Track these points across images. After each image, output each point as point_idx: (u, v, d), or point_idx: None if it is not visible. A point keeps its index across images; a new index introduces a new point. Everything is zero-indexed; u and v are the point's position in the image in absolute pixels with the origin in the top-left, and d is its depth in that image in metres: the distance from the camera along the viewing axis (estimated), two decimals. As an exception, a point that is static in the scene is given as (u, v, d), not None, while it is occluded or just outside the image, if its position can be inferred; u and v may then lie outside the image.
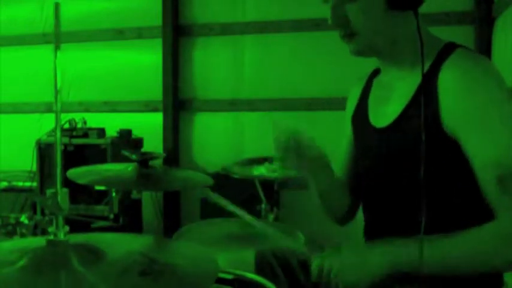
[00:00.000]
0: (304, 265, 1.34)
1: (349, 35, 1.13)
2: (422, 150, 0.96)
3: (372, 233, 1.26)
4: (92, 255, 0.69)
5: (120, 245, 0.79)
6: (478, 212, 1.03)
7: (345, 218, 1.42)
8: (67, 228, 0.69)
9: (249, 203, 2.19)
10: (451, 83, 1.04)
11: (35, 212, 2.86)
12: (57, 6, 0.67)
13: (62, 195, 0.69)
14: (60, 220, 0.68)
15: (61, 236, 0.68)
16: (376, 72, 1.32)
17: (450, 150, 1.05)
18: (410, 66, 1.14)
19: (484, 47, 2.99)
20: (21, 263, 0.66)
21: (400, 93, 1.15)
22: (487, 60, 1.10)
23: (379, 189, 1.20)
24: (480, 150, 1.01)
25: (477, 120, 1.02)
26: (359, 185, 1.31)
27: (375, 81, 1.30)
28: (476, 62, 1.06)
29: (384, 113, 1.18)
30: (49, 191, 0.69)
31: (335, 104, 3.11)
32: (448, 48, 1.10)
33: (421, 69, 1.04)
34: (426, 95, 1.06)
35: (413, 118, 1.09)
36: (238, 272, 1.24)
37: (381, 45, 1.15)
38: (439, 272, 0.99)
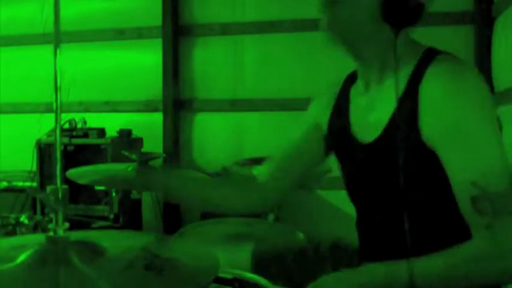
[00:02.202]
0: (300, 265, 1.34)
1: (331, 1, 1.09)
2: (400, 163, 0.96)
3: (363, 227, 1.27)
4: (92, 251, 0.69)
5: (119, 241, 0.79)
6: (464, 224, 1.03)
7: None
8: (66, 225, 0.69)
9: (249, 203, 2.19)
10: (432, 93, 1.02)
11: (35, 212, 2.87)
12: (56, 2, 0.67)
13: (62, 191, 0.69)
14: (60, 217, 0.69)
15: (60, 232, 0.69)
16: (350, 79, 1.27)
17: (430, 162, 1.03)
18: (391, 73, 1.10)
19: (484, 47, 2.99)
20: (21, 259, 0.66)
21: (383, 105, 1.12)
22: (471, 68, 1.06)
23: (368, 202, 1.20)
24: (457, 167, 1.00)
25: (457, 136, 0.99)
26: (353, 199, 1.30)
27: (353, 90, 1.25)
28: (459, 73, 1.03)
29: (369, 126, 1.15)
30: (49, 188, 0.69)
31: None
32: (429, 55, 1.07)
33: (404, 78, 1.04)
34: (408, 106, 1.04)
35: (397, 131, 1.06)
36: (238, 271, 1.24)
37: (355, 35, 1.11)
38: None
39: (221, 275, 1.17)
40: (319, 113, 1.32)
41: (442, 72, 1.03)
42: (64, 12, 0.71)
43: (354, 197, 1.26)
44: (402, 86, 1.06)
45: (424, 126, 1.02)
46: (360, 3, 1.07)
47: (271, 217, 2.12)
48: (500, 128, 1.06)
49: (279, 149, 1.37)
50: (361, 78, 1.20)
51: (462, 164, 0.99)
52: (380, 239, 1.19)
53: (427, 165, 1.04)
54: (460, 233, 1.01)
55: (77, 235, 0.72)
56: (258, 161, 2.19)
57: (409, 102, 1.04)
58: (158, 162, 3.17)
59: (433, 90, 1.02)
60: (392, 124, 1.08)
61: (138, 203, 3.28)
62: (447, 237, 1.04)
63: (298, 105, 3.48)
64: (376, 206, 1.18)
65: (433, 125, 1.02)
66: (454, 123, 1.00)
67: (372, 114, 1.15)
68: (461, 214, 1.01)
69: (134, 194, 2.95)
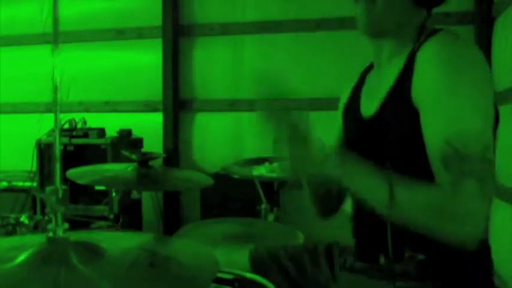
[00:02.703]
0: (298, 263, 1.35)
1: None
2: (394, 132, 1.01)
3: (358, 222, 1.28)
4: (91, 251, 0.69)
5: (118, 242, 0.79)
6: None
7: (333, 211, 1.43)
8: (66, 225, 0.69)
9: (249, 203, 2.20)
10: (422, 58, 1.06)
11: (35, 212, 2.87)
12: (56, 2, 0.67)
13: (62, 191, 0.69)
14: (60, 217, 0.69)
15: (60, 232, 0.69)
16: (368, 69, 1.34)
17: (416, 124, 1.05)
18: (400, 54, 1.16)
19: (484, 47, 2.99)
20: (21, 259, 0.66)
21: (386, 81, 1.17)
22: (467, 42, 1.10)
23: None
24: (433, 124, 1.02)
25: (439, 95, 1.02)
26: None
27: (368, 77, 1.33)
28: (452, 43, 1.07)
29: (372, 102, 1.21)
30: (49, 188, 0.70)
31: (335, 104, 3.10)
32: (433, 32, 1.12)
33: (405, 55, 1.11)
34: (405, 75, 1.09)
35: (393, 102, 1.11)
36: (237, 271, 1.25)
37: (391, 25, 1.17)
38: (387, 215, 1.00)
39: (221, 275, 1.17)
40: (342, 101, 1.40)
41: (437, 40, 1.08)
42: (64, 12, 0.71)
43: None
44: (405, 61, 1.12)
45: (413, 89, 1.06)
46: None
47: (271, 217, 2.12)
48: (497, 117, 1.06)
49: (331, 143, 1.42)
50: (375, 62, 1.28)
51: (438, 120, 1.01)
52: (371, 221, 1.19)
53: (415, 127, 1.06)
54: None
55: (76, 235, 0.72)
56: (258, 161, 2.19)
57: (407, 71, 1.09)
58: (158, 162, 3.18)
59: (424, 55, 1.06)
60: (390, 95, 1.13)
61: (138, 203, 3.28)
62: None
63: (298, 105, 3.49)
64: None
65: (419, 86, 1.06)
66: (437, 85, 1.02)
67: (377, 91, 1.20)
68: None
69: (134, 194, 2.95)
